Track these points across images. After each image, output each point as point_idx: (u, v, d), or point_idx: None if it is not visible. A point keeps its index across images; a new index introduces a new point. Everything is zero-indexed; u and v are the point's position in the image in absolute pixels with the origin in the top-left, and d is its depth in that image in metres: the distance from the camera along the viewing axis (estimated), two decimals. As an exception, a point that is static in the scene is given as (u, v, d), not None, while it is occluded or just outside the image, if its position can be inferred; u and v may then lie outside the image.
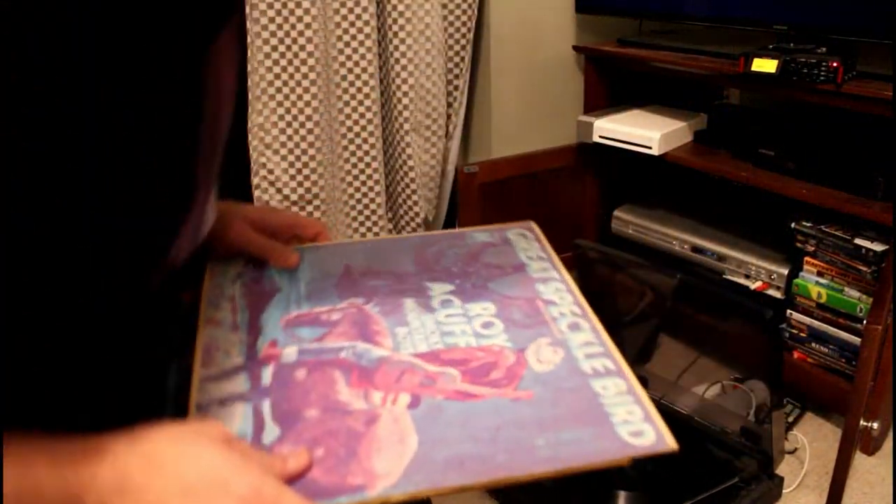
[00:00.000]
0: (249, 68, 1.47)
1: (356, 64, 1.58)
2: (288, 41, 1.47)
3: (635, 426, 0.52)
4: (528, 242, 0.74)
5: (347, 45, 1.56)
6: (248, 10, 1.43)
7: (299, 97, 1.51)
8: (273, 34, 1.46)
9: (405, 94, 1.64)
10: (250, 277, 0.68)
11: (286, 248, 0.69)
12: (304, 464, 0.49)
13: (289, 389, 0.55)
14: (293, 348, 0.59)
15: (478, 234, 0.75)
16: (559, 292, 0.66)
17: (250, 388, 0.55)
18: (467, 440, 0.51)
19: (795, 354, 1.35)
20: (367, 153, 1.64)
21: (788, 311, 1.35)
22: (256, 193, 1.54)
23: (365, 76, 1.59)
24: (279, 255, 0.68)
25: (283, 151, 1.54)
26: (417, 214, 1.74)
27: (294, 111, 1.52)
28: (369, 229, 1.72)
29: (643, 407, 0.53)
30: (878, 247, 1.17)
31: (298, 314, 0.63)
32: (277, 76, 1.49)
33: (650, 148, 1.45)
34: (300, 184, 1.56)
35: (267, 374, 0.57)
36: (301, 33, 1.47)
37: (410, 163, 1.69)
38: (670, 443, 0.50)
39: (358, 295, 0.65)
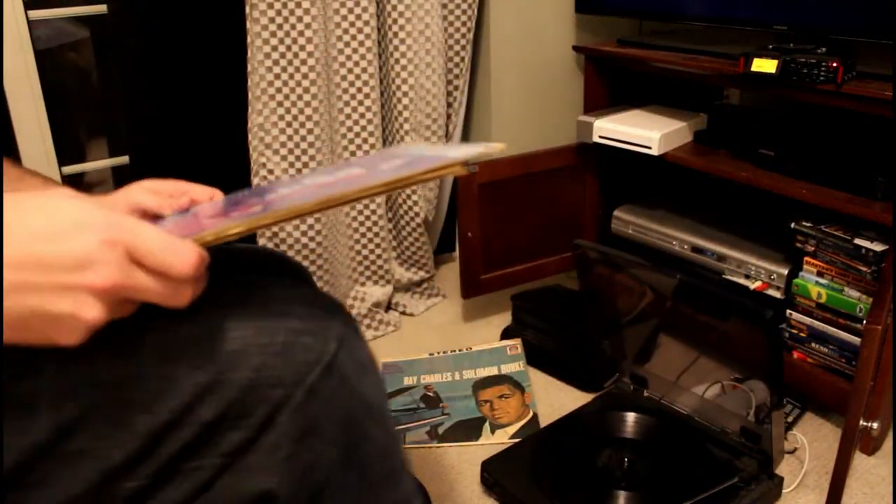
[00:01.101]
0: (249, 68, 1.47)
1: (356, 64, 1.58)
2: (288, 41, 1.47)
3: (471, 148, 0.59)
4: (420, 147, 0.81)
5: (347, 45, 1.56)
6: (248, 9, 1.43)
7: (299, 97, 1.51)
8: (273, 34, 1.46)
9: (405, 94, 1.64)
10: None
11: (181, 200, 0.72)
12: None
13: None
14: (166, 223, 0.62)
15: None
16: (417, 147, 0.73)
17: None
18: (322, 188, 0.55)
19: (795, 354, 1.35)
20: (366, 153, 1.64)
21: (788, 311, 1.35)
22: (256, 193, 1.54)
23: (365, 76, 1.59)
24: (171, 204, 0.71)
25: (283, 151, 1.54)
26: (417, 214, 1.74)
27: (294, 111, 1.52)
28: (369, 229, 1.72)
29: (487, 145, 0.61)
30: (878, 247, 1.17)
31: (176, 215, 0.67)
32: (277, 76, 1.49)
33: (650, 148, 1.45)
34: (300, 184, 1.56)
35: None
36: (301, 33, 1.47)
37: (410, 163, 1.69)
38: (497, 145, 0.59)
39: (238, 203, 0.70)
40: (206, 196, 0.74)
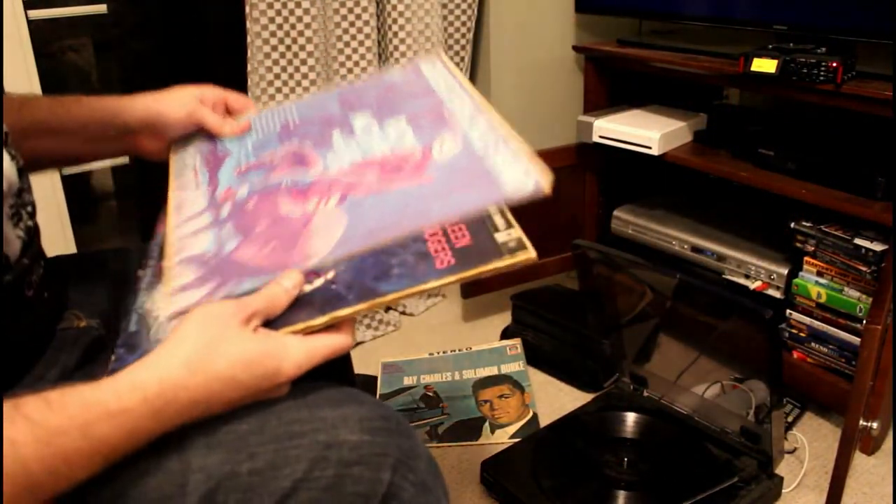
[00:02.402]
0: (249, 68, 1.47)
1: (356, 64, 1.58)
2: (288, 41, 1.47)
3: (519, 183, 0.61)
4: (437, 70, 0.82)
5: (347, 45, 1.56)
6: (248, 9, 1.43)
7: (299, 97, 1.51)
8: (273, 34, 1.46)
9: (405, 94, 1.64)
10: (206, 150, 0.79)
11: (234, 121, 0.80)
12: (297, 280, 0.59)
13: (243, 215, 0.67)
14: (245, 188, 0.71)
15: (393, 71, 0.84)
16: (462, 101, 0.74)
17: (212, 221, 0.67)
18: (381, 218, 0.62)
19: (795, 354, 1.35)
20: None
21: (788, 311, 1.35)
22: (256, 193, 1.54)
23: (365, 76, 1.59)
24: (231, 127, 0.79)
25: (283, 151, 1.53)
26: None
27: (294, 111, 1.52)
28: (369, 229, 1.72)
29: (527, 167, 0.62)
30: (877, 247, 1.17)
31: (248, 164, 0.75)
32: (277, 76, 1.49)
33: (650, 148, 1.45)
34: (300, 184, 1.56)
35: (225, 210, 0.69)
36: (301, 33, 1.47)
37: (410, 163, 1.69)
38: (545, 188, 0.59)
39: (294, 138, 0.77)
40: (240, 106, 0.82)
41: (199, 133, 0.80)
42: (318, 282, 0.60)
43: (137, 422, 0.50)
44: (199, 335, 0.54)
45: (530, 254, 0.58)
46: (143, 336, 0.61)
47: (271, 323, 0.58)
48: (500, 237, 0.60)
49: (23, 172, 0.66)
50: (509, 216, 0.62)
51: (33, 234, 0.66)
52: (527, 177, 0.61)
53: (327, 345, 0.57)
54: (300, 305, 0.59)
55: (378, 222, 0.61)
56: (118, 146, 0.78)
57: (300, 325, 0.57)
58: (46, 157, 0.74)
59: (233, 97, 0.82)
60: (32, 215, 0.67)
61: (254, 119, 0.82)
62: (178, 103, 0.77)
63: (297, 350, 0.56)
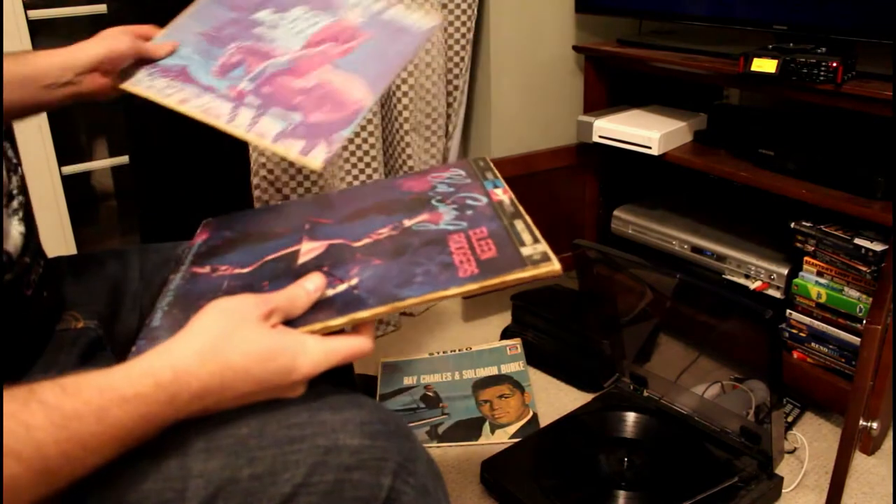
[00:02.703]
0: (249, 68, 1.47)
1: (356, 64, 1.58)
2: (288, 41, 1.47)
3: (421, 21, 0.83)
4: None
5: (347, 44, 1.56)
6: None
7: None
8: (273, 34, 1.46)
9: (405, 94, 1.64)
10: (156, 72, 0.85)
11: (160, 44, 0.87)
12: (319, 283, 0.60)
13: (274, 98, 0.76)
14: (243, 82, 0.79)
15: None
16: None
17: (256, 112, 0.74)
18: (377, 61, 0.78)
19: (795, 354, 1.35)
20: (366, 153, 1.64)
21: (788, 311, 1.35)
22: (256, 193, 1.54)
23: None
24: (165, 47, 0.87)
25: (283, 151, 1.53)
26: (417, 214, 1.74)
27: (294, 111, 1.52)
28: (369, 229, 1.72)
29: (419, 12, 0.84)
30: (877, 247, 1.17)
31: (218, 67, 0.83)
32: (277, 76, 1.49)
33: (650, 148, 1.45)
34: (300, 184, 1.56)
35: (252, 102, 0.76)
36: (301, 33, 1.47)
37: (410, 163, 1.69)
38: (439, 18, 0.83)
39: (231, 41, 0.86)
40: (147, 32, 0.88)
41: (133, 65, 0.86)
42: (342, 287, 0.61)
43: (151, 407, 0.50)
44: (215, 326, 0.54)
45: (554, 266, 0.59)
46: (165, 330, 0.61)
47: (290, 323, 0.58)
48: (526, 251, 0.61)
49: (19, 169, 0.66)
50: (536, 233, 0.63)
51: (33, 232, 0.67)
52: (426, 16, 0.82)
53: (347, 346, 0.57)
54: (320, 307, 0.59)
55: (378, 63, 0.76)
56: (71, 90, 0.81)
57: (318, 325, 0.58)
58: (15, 108, 0.78)
59: (138, 27, 0.88)
60: (31, 213, 0.67)
61: (171, 37, 0.90)
62: (119, 37, 0.84)
63: (315, 349, 0.56)
